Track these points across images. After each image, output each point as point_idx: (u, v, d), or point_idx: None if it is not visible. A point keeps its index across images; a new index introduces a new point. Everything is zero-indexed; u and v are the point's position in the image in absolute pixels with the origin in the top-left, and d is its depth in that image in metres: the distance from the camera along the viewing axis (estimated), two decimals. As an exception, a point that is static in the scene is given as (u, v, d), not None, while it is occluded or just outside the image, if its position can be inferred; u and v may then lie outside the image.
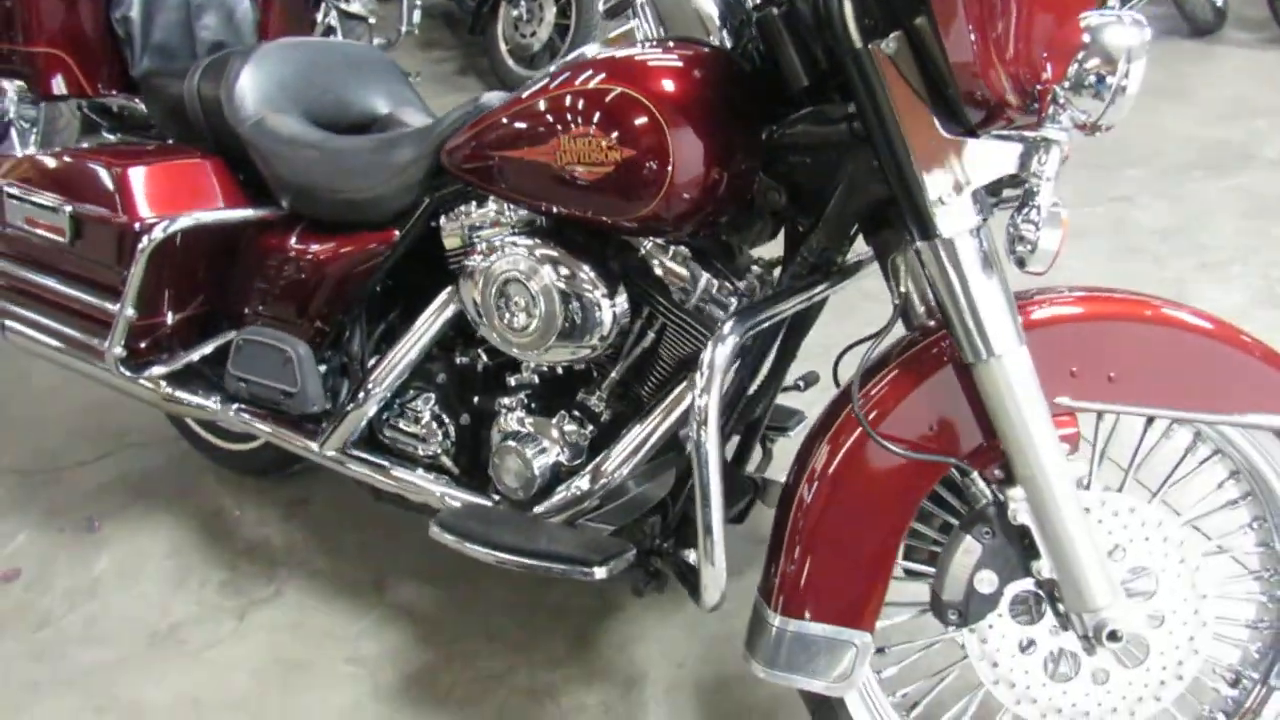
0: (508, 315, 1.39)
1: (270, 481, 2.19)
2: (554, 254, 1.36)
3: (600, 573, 1.31)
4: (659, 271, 1.37)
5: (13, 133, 3.74)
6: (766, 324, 1.23)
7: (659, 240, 1.36)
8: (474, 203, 1.53)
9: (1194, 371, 1.16)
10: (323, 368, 1.71)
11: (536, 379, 1.53)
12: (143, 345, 1.77)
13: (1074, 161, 3.18)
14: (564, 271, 1.34)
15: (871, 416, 1.17)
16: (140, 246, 1.59)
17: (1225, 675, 1.30)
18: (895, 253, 1.27)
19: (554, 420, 1.49)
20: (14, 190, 1.76)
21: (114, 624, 1.86)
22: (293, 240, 1.67)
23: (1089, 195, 3.09)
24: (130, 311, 1.66)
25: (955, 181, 1.06)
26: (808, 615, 1.20)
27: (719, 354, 1.15)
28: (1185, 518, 1.26)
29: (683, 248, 1.37)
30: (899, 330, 1.25)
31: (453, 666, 1.69)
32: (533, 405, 1.53)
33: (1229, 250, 2.66)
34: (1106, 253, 2.74)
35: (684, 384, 1.39)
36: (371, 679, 1.69)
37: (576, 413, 1.49)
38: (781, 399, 1.57)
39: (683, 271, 1.35)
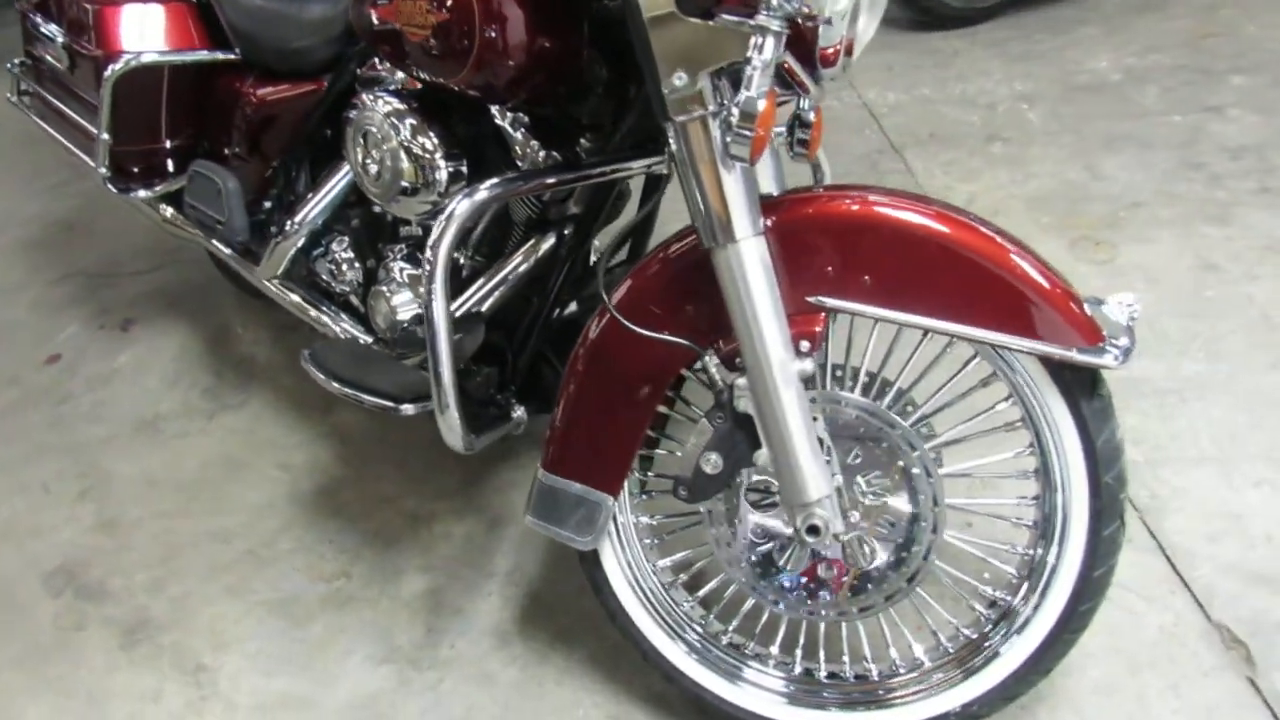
0: (366, 165, 1.50)
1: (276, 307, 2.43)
2: (404, 114, 1.44)
3: (408, 409, 1.44)
4: (505, 137, 1.43)
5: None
6: (537, 192, 1.28)
7: (502, 108, 1.42)
8: (378, 58, 1.62)
9: (959, 287, 1.11)
10: (268, 204, 1.88)
11: (420, 231, 1.64)
12: (135, 169, 2.00)
13: (1176, 63, 2.89)
14: (407, 131, 1.42)
15: (624, 295, 1.21)
16: (105, 76, 1.79)
17: (985, 595, 1.29)
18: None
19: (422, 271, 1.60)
20: (34, 19, 1.99)
21: (115, 409, 2.18)
22: (241, 84, 1.82)
23: (1178, 102, 2.79)
24: (105, 136, 1.87)
25: (689, 64, 1.06)
26: (563, 473, 1.29)
27: (459, 208, 1.21)
28: (944, 437, 1.25)
29: (522, 115, 1.41)
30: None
31: (357, 485, 1.89)
32: (413, 256, 1.64)
33: (1302, 176, 2.38)
34: (1163, 167, 2.49)
35: (529, 244, 1.48)
36: (291, 484, 1.92)
37: None
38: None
39: (515, 138, 1.41)
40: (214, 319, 2.44)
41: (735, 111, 1.00)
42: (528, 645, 1.55)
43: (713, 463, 1.21)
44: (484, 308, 1.51)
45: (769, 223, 1.14)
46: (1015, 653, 1.22)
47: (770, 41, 1.00)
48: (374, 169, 1.48)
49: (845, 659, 1.32)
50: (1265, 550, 1.55)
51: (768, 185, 1.29)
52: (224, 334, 2.39)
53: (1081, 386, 1.14)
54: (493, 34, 1.23)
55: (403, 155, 1.43)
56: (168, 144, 2.01)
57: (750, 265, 1.10)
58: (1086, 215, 2.36)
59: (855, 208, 1.15)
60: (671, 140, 1.11)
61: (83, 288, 2.64)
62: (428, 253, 1.21)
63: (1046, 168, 2.56)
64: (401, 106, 1.45)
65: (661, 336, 1.19)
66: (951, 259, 1.11)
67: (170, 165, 2.03)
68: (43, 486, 1.99)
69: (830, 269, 1.15)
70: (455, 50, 1.27)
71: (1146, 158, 2.55)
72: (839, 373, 1.31)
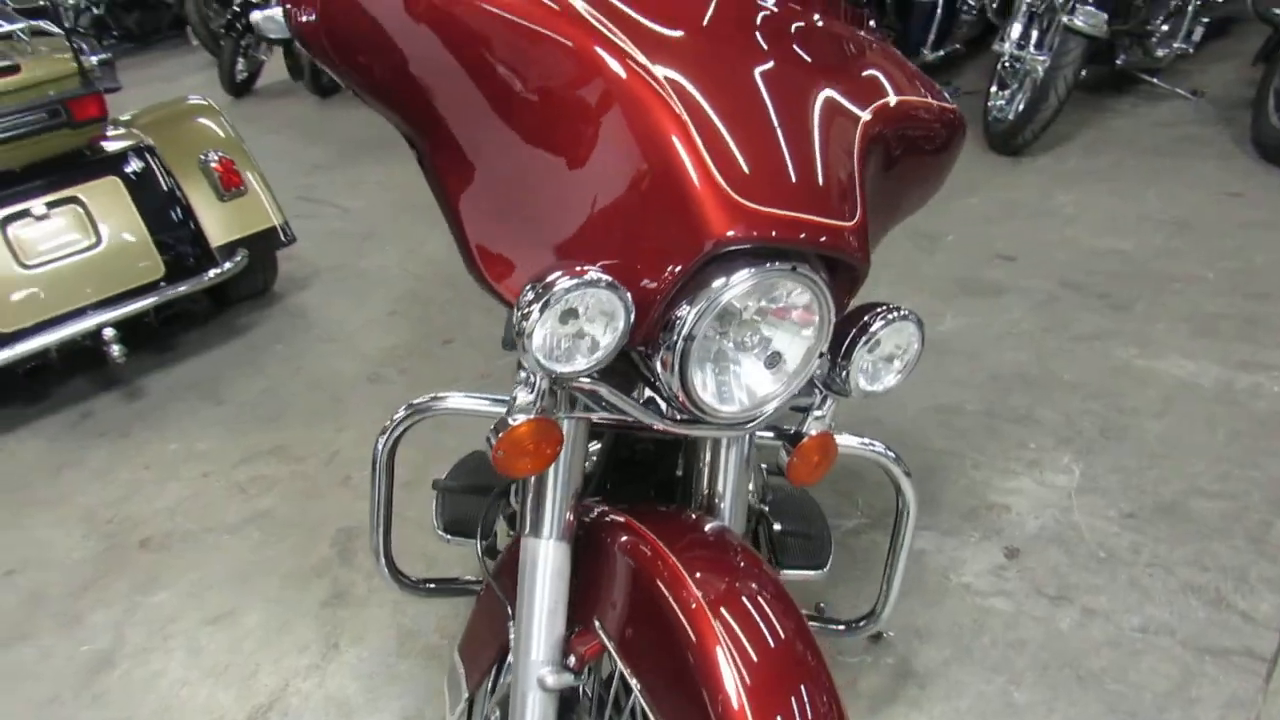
0: None
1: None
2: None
3: (441, 533, 1.72)
4: None
5: None
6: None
7: None
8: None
9: (682, 674, 1.01)
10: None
11: None
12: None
13: None
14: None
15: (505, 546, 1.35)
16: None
17: None
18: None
19: None
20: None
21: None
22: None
23: None
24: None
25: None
26: (459, 653, 1.47)
27: (401, 418, 1.43)
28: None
29: None
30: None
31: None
32: None
33: None
34: None
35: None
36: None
37: None
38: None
39: None
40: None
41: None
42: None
43: (496, 718, 1.28)
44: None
45: (589, 531, 1.17)
46: None
47: (538, 378, 1.04)
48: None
49: None
50: None
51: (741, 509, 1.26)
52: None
53: None
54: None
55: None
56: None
57: (535, 565, 1.16)
58: None
59: (642, 553, 1.10)
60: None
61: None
62: (375, 445, 1.47)
63: None
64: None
65: (499, 596, 1.29)
66: (687, 640, 1.01)
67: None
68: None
69: (615, 602, 1.14)
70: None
71: None
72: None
